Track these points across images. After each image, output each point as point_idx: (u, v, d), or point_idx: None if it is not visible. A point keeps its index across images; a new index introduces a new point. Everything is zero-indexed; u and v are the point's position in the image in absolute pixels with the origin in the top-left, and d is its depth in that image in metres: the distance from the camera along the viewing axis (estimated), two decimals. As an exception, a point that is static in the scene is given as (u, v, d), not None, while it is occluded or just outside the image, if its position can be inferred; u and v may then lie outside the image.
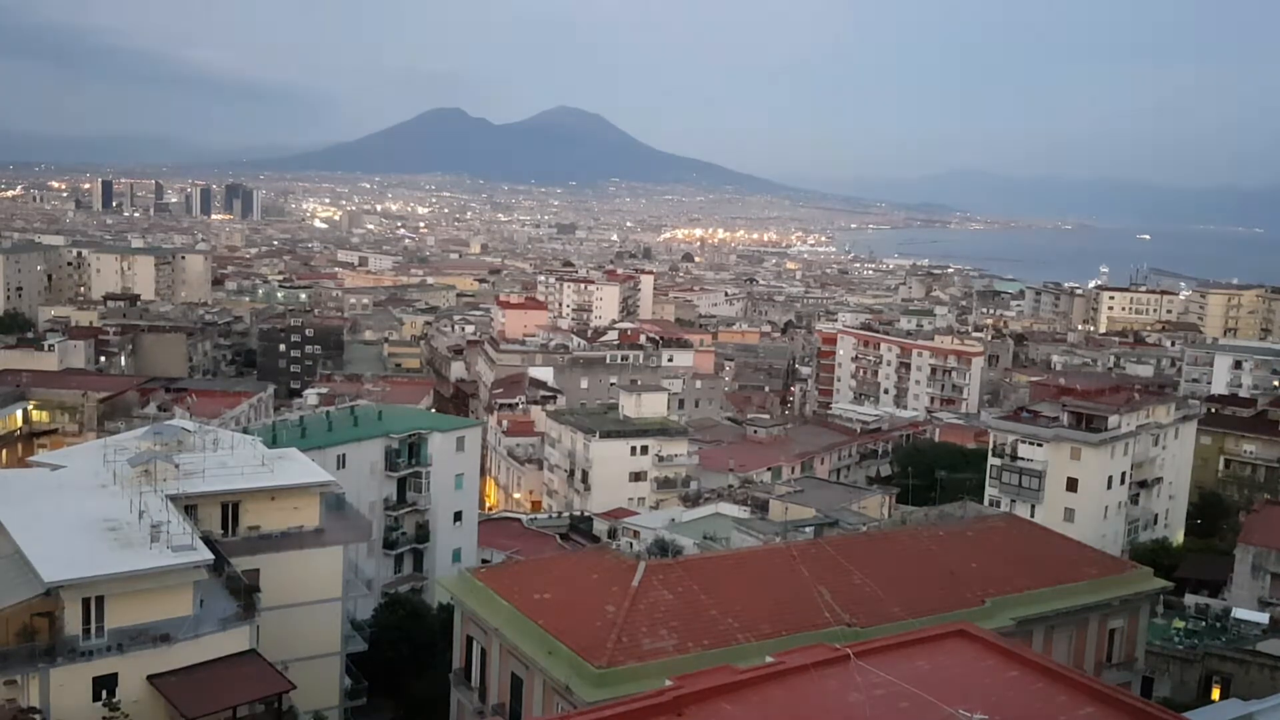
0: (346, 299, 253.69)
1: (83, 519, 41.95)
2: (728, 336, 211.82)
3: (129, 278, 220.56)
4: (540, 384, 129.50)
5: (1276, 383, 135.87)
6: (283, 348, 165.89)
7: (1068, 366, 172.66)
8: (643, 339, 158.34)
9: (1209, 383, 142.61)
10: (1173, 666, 58.34)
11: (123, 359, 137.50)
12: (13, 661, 36.72)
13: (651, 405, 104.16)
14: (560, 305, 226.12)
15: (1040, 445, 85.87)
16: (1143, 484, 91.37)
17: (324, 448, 66.39)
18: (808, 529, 60.20)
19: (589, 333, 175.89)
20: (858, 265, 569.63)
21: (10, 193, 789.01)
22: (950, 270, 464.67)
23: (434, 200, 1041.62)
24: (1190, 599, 65.40)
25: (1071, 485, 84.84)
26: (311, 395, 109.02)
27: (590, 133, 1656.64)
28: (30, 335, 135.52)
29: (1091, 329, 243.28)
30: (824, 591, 43.45)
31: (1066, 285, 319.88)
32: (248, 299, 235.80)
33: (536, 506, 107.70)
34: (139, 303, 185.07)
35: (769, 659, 32.09)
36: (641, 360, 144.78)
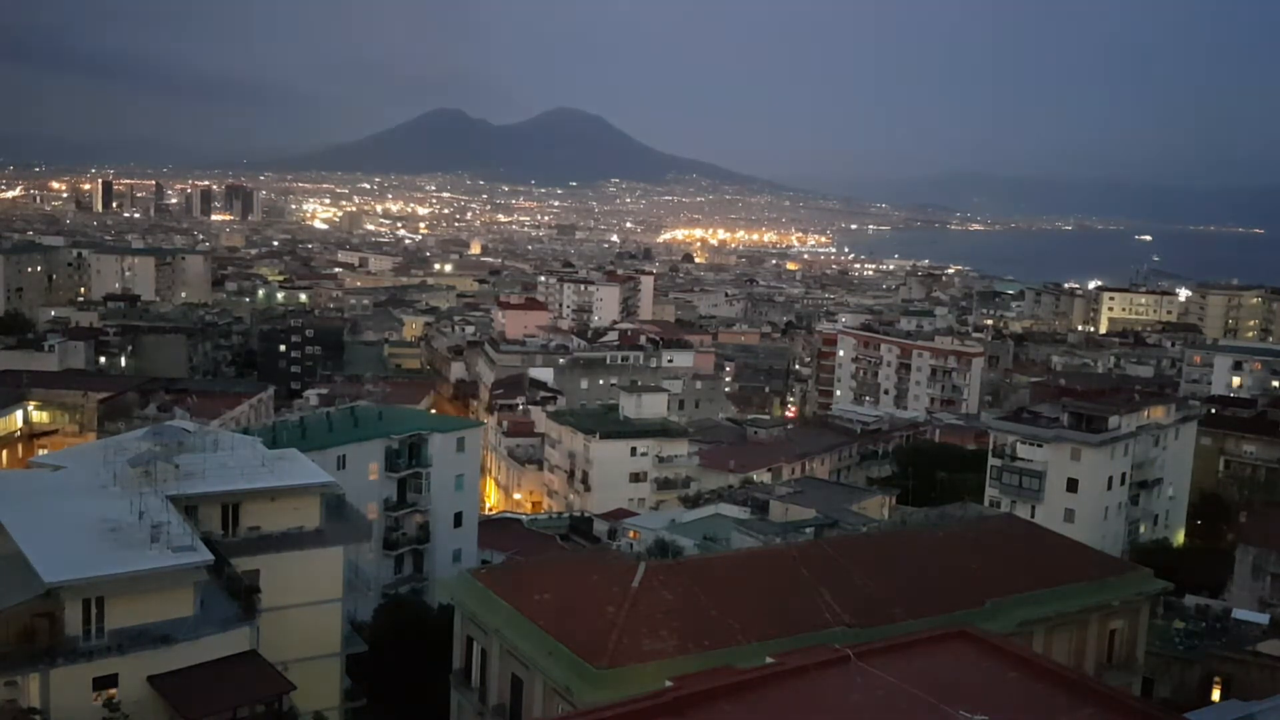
0: (346, 300, 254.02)
1: (83, 520, 41.89)
2: (728, 337, 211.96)
3: (129, 278, 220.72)
4: (540, 384, 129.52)
5: (1276, 383, 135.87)
6: (283, 348, 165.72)
7: (1068, 367, 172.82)
8: (643, 340, 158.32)
9: (1209, 383, 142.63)
10: (1173, 667, 58.30)
11: (123, 360, 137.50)
12: (13, 662, 36.67)
13: (651, 406, 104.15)
14: (560, 306, 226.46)
15: (1040, 446, 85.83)
16: (1143, 484, 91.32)
17: (324, 448, 66.36)
18: (808, 530, 60.12)
19: (589, 333, 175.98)
20: (858, 266, 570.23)
21: (10, 193, 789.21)
22: (950, 271, 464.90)
23: (434, 201, 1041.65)
24: (1190, 599, 65.27)
25: (1072, 486, 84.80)
26: (312, 396, 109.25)
27: (590, 133, 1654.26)
28: (30, 336, 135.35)
29: (1092, 330, 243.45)
30: (824, 592, 43.44)
31: (1066, 285, 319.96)
32: (248, 300, 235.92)
33: (537, 507, 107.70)
34: (139, 303, 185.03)
35: (769, 660, 32.16)
36: (641, 361, 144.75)
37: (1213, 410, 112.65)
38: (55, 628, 37.44)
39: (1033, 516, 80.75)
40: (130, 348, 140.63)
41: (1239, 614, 64.14)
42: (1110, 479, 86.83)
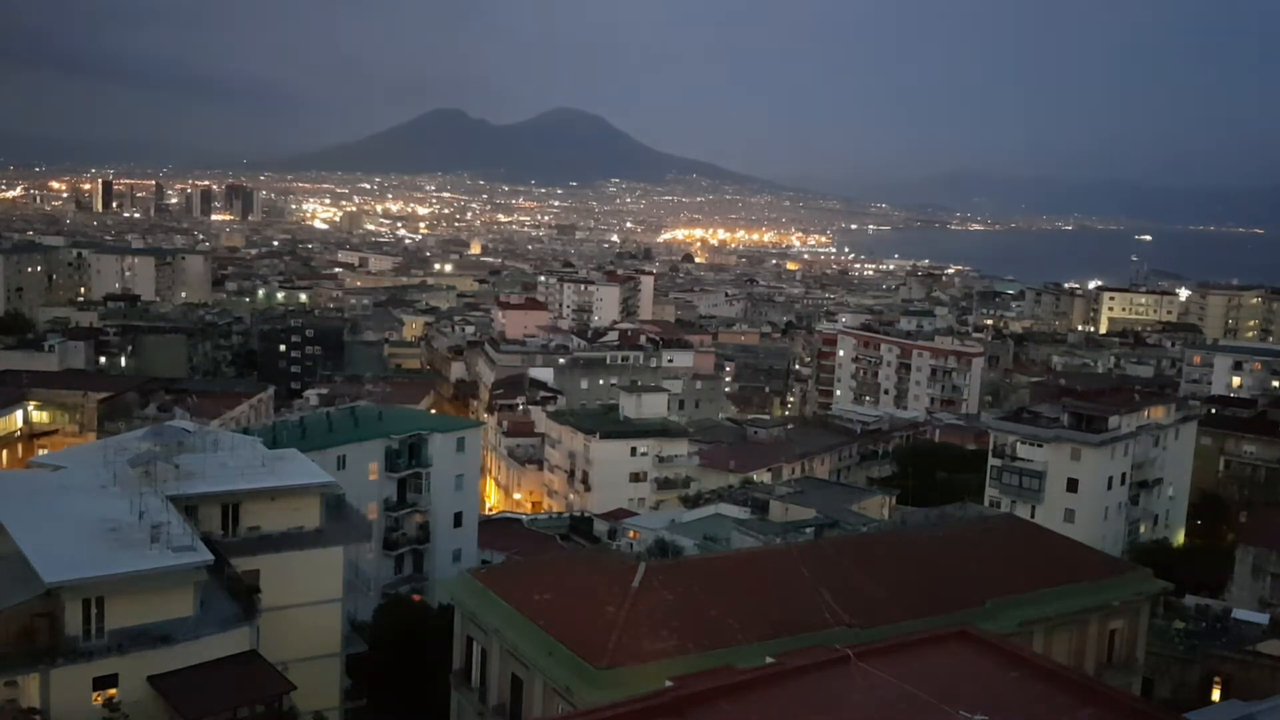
0: (347, 300, 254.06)
1: (83, 520, 41.90)
2: (728, 337, 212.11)
3: (129, 278, 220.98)
4: (540, 384, 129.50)
5: (1276, 383, 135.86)
6: (283, 348, 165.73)
7: (1068, 367, 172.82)
8: (643, 340, 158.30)
9: (1209, 383, 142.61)
10: (1173, 667, 58.28)
11: (123, 360, 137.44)
12: (13, 662, 36.69)
13: (651, 406, 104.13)
14: (560, 306, 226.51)
15: (1040, 446, 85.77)
16: (1143, 484, 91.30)
17: (324, 448, 66.33)
18: (808, 530, 60.15)
19: (589, 333, 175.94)
20: (858, 266, 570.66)
21: (11, 193, 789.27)
22: (950, 271, 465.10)
23: (434, 201, 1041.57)
24: (1190, 599, 65.27)
25: (1072, 486, 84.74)
26: (312, 396, 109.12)
27: (590, 133, 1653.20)
28: (30, 336, 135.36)
29: (1092, 330, 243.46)
30: (824, 593, 43.43)
31: (1066, 285, 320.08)
32: (248, 300, 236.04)
33: (537, 507, 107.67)
34: (139, 303, 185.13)
35: (769, 660, 32.16)
36: (641, 361, 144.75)
37: (1213, 410, 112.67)
38: (55, 628, 37.45)
39: (1033, 516, 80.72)
40: (130, 348, 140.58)
41: (1239, 614, 64.08)
42: (1110, 479, 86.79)
